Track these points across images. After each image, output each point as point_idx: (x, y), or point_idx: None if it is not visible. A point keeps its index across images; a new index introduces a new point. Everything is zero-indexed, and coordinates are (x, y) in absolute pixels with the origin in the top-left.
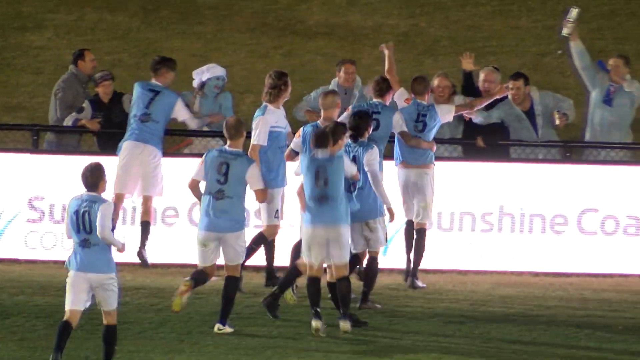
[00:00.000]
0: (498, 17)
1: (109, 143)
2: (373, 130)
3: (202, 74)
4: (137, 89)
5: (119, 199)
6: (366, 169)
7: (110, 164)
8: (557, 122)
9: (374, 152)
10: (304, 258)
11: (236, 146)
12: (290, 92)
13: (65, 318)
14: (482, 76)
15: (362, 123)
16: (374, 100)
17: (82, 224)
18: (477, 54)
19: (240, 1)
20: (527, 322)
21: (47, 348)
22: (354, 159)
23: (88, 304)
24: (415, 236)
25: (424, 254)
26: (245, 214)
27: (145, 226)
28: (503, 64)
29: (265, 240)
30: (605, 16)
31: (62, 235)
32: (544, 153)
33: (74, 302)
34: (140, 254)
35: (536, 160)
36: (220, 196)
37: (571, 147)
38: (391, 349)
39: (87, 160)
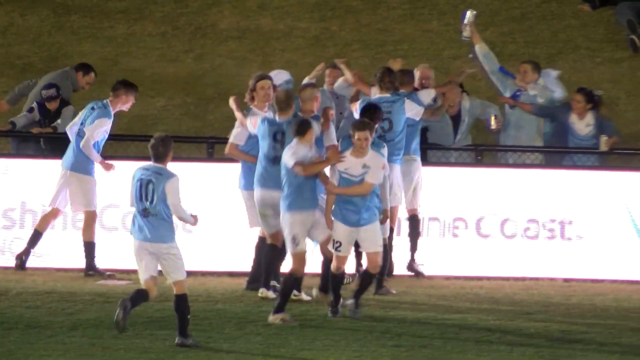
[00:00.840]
0: (409, 20)
1: (53, 151)
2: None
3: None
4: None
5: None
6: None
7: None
8: (494, 126)
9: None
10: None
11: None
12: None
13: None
14: (418, 74)
15: (373, 117)
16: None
17: (145, 194)
18: (389, 58)
19: (150, 5)
20: (438, 326)
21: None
22: None
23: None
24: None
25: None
26: None
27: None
28: (414, 68)
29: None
30: (516, 20)
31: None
32: (456, 157)
33: (144, 272)
34: None
35: (447, 164)
36: None
37: (482, 150)
38: (302, 353)
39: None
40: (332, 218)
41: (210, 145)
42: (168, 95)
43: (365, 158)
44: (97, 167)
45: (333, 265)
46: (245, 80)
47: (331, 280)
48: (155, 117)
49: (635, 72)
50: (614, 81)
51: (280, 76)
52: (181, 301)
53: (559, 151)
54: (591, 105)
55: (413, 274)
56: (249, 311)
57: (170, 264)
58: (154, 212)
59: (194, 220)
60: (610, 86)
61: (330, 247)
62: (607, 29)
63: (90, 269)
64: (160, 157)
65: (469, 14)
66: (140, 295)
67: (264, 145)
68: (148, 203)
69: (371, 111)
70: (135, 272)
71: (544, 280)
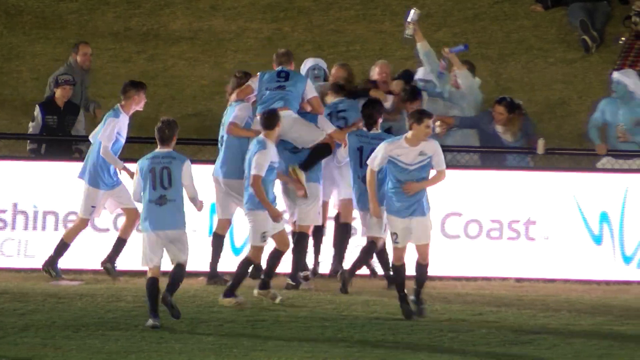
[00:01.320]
0: (362, 21)
1: (55, 149)
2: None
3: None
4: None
5: None
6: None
7: (54, 170)
8: (437, 130)
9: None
10: None
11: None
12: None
13: (150, 275)
14: (377, 70)
15: (373, 111)
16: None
17: (160, 181)
18: (341, 58)
19: (102, 6)
20: (390, 326)
21: None
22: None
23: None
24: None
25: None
26: None
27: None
28: (367, 68)
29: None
30: (469, 20)
31: None
32: None
33: (153, 260)
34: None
35: None
36: None
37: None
38: (254, 354)
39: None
40: (384, 210)
41: None
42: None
43: (420, 146)
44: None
45: (393, 258)
46: (197, 81)
47: (394, 273)
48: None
49: (587, 73)
50: (566, 82)
51: (306, 62)
52: (179, 269)
53: (497, 151)
54: (512, 115)
55: (369, 272)
56: (201, 311)
57: (180, 248)
58: (171, 197)
59: (200, 205)
60: (563, 87)
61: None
62: (560, 29)
63: (51, 264)
64: (166, 140)
65: (413, 12)
66: (156, 284)
67: None
68: (165, 190)
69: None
70: (87, 272)
71: (495, 280)
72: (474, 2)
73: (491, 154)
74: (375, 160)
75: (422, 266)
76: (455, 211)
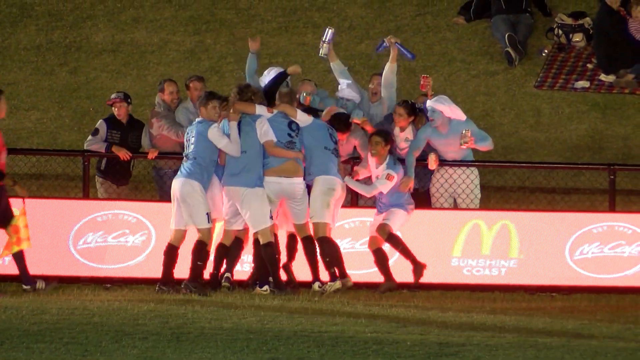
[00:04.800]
0: (284, 33)
1: (117, 169)
2: None
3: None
4: None
5: None
6: None
7: None
8: (433, 166)
9: None
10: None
11: None
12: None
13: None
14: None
15: None
16: None
17: None
18: (263, 70)
19: (25, 18)
20: (315, 339)
21: None
22: None
23: None
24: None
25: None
26: None
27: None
28: (293, 82)
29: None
30: (391, 32)
31: None
32: None
33: None
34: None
35: None
36: None
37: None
38: None
39: None
40: None
41: (86, 159)
42: (43, 108)
43: None
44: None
45: None
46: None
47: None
48: (30, 130)
49: (510, 85)
50: (489, 94)
51: (270, 74)
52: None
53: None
54: (413, 118)
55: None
56: (125, 324)
57: None
58: None
59: None
60: (486, 98)
61: None
62: (482, 41)
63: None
64: None
65: (328, 31)
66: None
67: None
68: None
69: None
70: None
71: (420, 292)
72: (396, 14)
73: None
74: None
75: None
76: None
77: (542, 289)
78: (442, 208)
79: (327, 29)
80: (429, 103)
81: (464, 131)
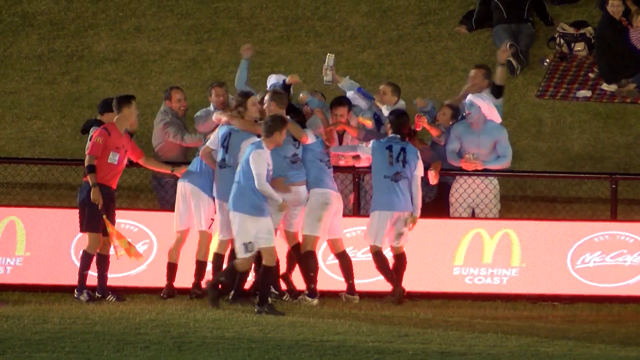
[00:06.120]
0: (286, 42)
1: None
2: None
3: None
4: None
5: None
6: None
7: None
8: (434, 181)
9: None
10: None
11: None
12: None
13: None
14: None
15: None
16: None
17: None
18: (265, 79)
19: (27, 27)
20: (317, 348)
21: None
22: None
23: None
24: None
25: None
26: None
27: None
28: (294, 89)
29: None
30: (393, 41)
31: None
32: None
33: None
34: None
35: None
36: None
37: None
38: None
39: None
40: None
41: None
42: (45, 117)
43: None
44: None
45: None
46: None
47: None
48: (32, 140)
49: (512, 94)
50: None
51: (271, 80)
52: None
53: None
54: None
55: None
56: (127, 333)
57: None
58: None
59: None
60: None
61: None
62: (484, 51)
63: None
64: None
65: (328, 57)
66: None
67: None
68: None
69: None
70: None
71: (422, 301)
72: (398, 24)
73: None
74: None
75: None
76: None
77: (543, 298)
78: (445, 217)
79: (327, 56)
80: (469, 97)
81: (472, 155)
